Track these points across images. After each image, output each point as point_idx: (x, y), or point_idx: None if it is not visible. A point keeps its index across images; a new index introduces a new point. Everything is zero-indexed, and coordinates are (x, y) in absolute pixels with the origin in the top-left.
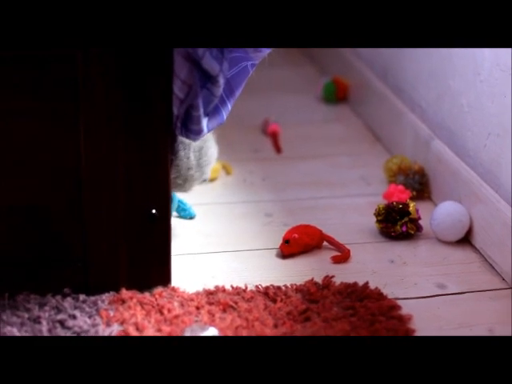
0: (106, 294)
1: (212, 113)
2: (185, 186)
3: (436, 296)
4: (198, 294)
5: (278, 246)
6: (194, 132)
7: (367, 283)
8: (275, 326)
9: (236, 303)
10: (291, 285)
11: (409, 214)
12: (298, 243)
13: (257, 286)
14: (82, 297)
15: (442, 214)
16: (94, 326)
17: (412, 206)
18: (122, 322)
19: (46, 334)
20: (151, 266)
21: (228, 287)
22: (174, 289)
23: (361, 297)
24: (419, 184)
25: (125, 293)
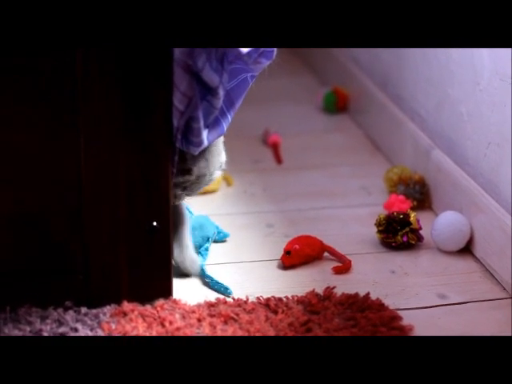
0: (108, 307)
1: (212, 124)
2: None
3: (437, 306)
4: (199, 306)
5: (279, 257)
6: (194, 144)
7: (368, 294)
8: None
9: (237, 315)
10: (292, 296)
11: (409, 224)
12: (299, 254)
13: (258, 298)
14: (83, 310)
15: (442, 224)
16: None
17: (413, 216)
18: (124, 335)
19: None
20: (152, 279)
21: (229, 299)
22: (175, 301)
23: (362, 307)
24: (420, 194)
25: (126, 305)
